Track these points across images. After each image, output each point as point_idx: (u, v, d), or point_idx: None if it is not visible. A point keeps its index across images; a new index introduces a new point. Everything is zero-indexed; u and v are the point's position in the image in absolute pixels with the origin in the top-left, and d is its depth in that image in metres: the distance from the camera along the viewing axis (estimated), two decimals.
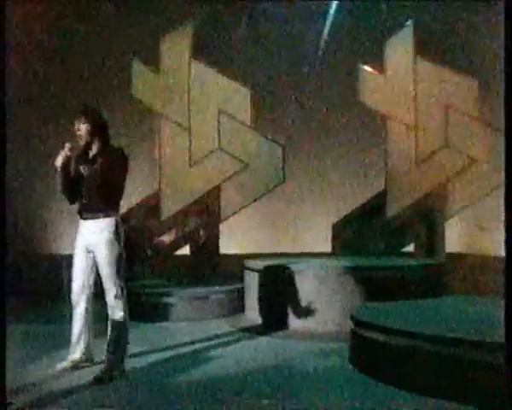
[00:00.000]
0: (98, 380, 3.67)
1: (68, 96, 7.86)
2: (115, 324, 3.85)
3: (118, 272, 3.84)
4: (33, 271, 7.49)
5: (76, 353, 3.99)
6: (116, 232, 3.86)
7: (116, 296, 3.83)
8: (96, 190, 3.85)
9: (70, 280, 4.01)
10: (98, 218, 3.86)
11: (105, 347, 3.88)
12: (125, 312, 3.88)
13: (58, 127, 7.55)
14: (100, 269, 3.88)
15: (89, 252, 3.90)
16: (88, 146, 3.91)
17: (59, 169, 3.84)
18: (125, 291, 3.89)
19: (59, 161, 3.82)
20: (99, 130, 3.90)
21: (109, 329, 3.88)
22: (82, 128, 3.87)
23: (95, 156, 3.91)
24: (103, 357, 3.87)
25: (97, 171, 3.84)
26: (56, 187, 3.97)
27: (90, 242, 3.88)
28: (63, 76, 8.20)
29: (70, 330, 4.03)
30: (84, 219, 3.92)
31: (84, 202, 3.91)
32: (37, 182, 8.01)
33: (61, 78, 8.19)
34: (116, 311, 3.84)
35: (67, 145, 3.84)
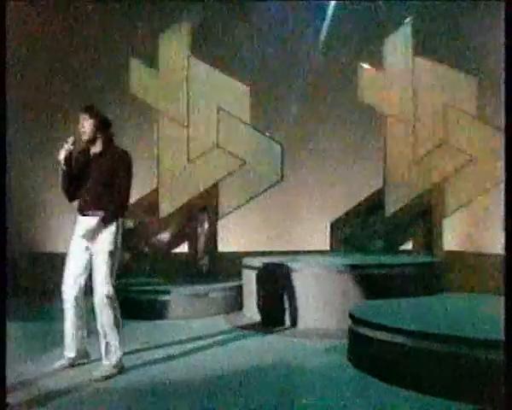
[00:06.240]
0: (97, 379, 3.66)
1: (67, 94, 7.84)
2: (107, 323, 3.81)
3: (112, 271, 3.82)
4: (33, 269, 7.48)
5: (72, 351, 3.97)
6: (116, 232, 3.85)
7: (108, 296, 3.79)
8: (98, 187, 3.86)
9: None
10: (99, 215, 3.83)
11: (101, 346, 3.85)
12: (115, 310, 3.84)
13: (57, 126, 7.57)
14: (94, 266, 3.84)
15: (86, 249, 3.88)
16: (91, 143, 3.92)
17: (62, 163, 3.83)
18: (114, 291, 3.84)
19: (62, 155, 3.82)
20: (103, 127, 3.91)
21: (101, 330, 3.83)
22: (86, 125, 3.88)
23: (99, 153, 3.93)
24: (101, 354, 3.85)
25: (101, 167, 3.87)
26: (58, 183, 3.94)
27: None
28: (62, 75, 8.18)
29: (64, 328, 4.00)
30: (85, 215, 3.90)
31: (87, 198, 3.90)
32: (36, 181, 7.99)
33: (59, 76, 8.17)
34: (105, 310, 3.79)
35: (70, 139, 3.84)
